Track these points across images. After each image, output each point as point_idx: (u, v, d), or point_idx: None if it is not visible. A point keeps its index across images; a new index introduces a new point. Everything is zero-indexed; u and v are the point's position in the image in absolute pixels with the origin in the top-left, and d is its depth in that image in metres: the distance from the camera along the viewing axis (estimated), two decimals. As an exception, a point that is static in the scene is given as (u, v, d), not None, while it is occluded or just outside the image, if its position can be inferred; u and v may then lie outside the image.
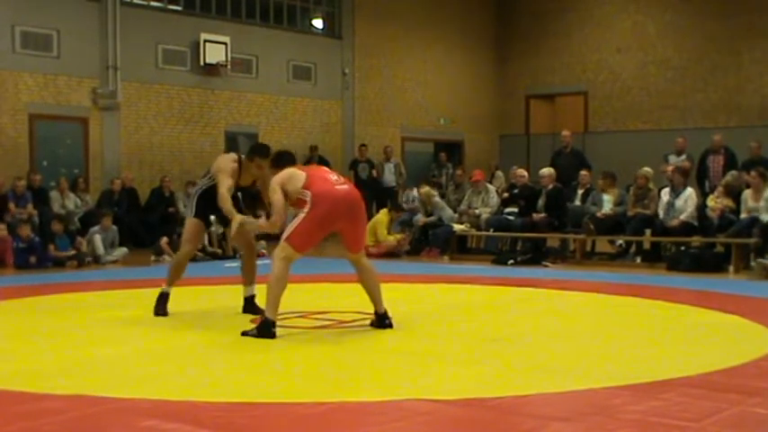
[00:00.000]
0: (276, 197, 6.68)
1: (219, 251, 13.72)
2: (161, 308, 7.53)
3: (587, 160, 15.58)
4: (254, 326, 6.58)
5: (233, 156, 7.52)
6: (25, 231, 12.85)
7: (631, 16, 21.97)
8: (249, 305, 7.61)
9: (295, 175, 6.72)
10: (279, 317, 7.20)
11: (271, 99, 18.81)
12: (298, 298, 7.13)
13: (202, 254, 13.83)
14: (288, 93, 19.17)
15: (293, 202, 6.70)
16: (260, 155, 7.32)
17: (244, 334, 6.51)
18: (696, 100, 21.04)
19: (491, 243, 14.65)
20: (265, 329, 6.40)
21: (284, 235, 6.59)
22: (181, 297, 7.92)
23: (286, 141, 18.12)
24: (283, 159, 7.00)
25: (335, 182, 6.73)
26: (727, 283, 10.83)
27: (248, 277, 7.63)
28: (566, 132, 16.43)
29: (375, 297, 6.87)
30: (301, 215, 6.54)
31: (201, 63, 17.42)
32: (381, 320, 6.86)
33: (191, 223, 7.62)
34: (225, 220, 7.56)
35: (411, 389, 4.87)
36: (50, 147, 15.77)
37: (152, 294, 7.73)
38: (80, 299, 9.24)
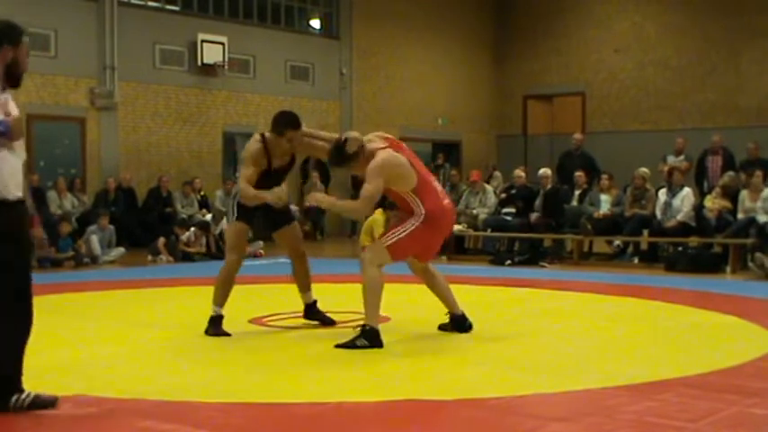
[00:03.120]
0: (374, 188, 5.99)
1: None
2: (218, 330, 6.58)
3: (597, 164, 15.35)
4: (351, 337, 6.04)
5: (256, 136, 6.53)
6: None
7: (630, 16, 21.98)
8: (311, 312, 7.00)
9: (405, 170, 6.09)
10: (277, 317, 7.22)
11: (268, 99, 18.78)
12: (297, 298, 7.12)
13: (202, 254, 13.85)
14: (286, 93, 19.15)
15: (396, 198, 6.18)
16: (292, 127, 6.36)
17: (340, 346, 5.97)
18: (694, 100, 21.04)
19: (489, 243, 14.65)
20: (373, 338, 5.99)
21: (385, 240, 6.14)
22: (180, 297, 7.91)
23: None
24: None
25: (442, 193, 6.31)
26: (725, 283, 10.84)
27: (303, 283, 6.94)
28: (578, 135, 16.45)
29: (449, 299, 6.66)
30: (409, 226, 6.08)
31: (199, 63, 17.41)
32: (461, 323, 6.62)
33: (234, 228, 6.71)
34: (258, 233, 7.04)
35: (411, 389, 4.87)
36: (48, 147, 15.74)
37: (149, 294, 7.71)
38: (78, 299, 9.23)
